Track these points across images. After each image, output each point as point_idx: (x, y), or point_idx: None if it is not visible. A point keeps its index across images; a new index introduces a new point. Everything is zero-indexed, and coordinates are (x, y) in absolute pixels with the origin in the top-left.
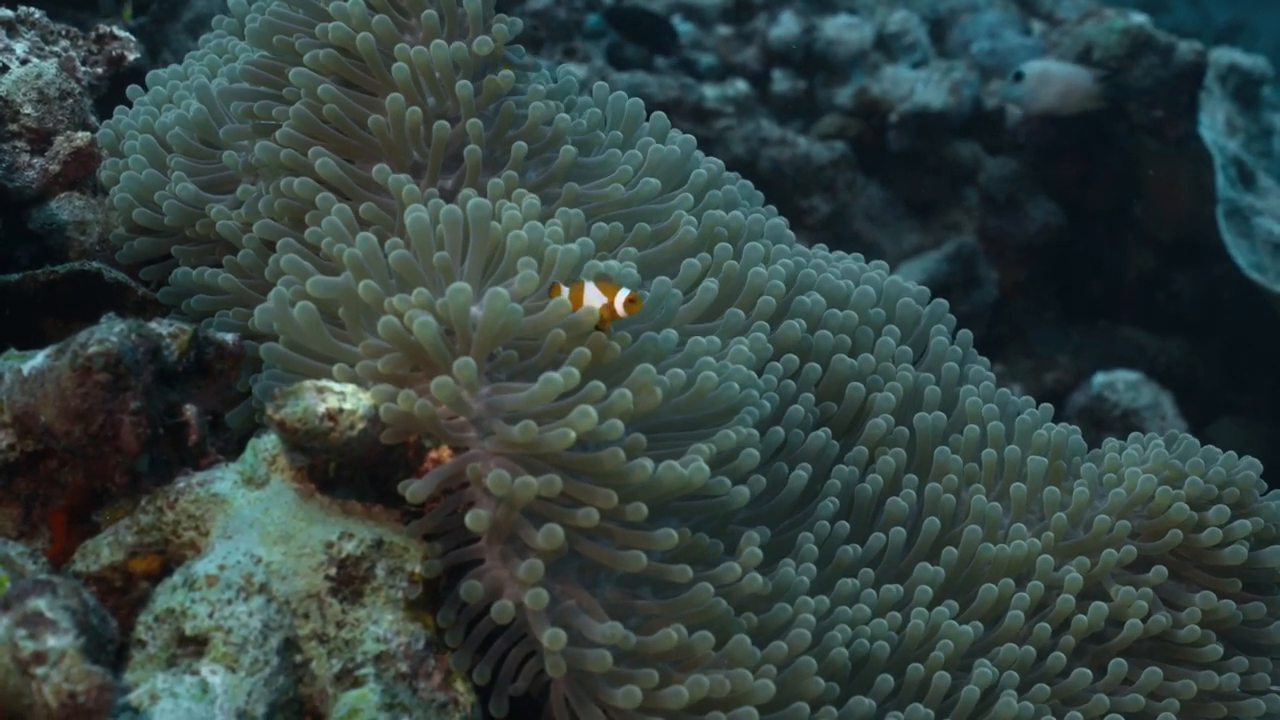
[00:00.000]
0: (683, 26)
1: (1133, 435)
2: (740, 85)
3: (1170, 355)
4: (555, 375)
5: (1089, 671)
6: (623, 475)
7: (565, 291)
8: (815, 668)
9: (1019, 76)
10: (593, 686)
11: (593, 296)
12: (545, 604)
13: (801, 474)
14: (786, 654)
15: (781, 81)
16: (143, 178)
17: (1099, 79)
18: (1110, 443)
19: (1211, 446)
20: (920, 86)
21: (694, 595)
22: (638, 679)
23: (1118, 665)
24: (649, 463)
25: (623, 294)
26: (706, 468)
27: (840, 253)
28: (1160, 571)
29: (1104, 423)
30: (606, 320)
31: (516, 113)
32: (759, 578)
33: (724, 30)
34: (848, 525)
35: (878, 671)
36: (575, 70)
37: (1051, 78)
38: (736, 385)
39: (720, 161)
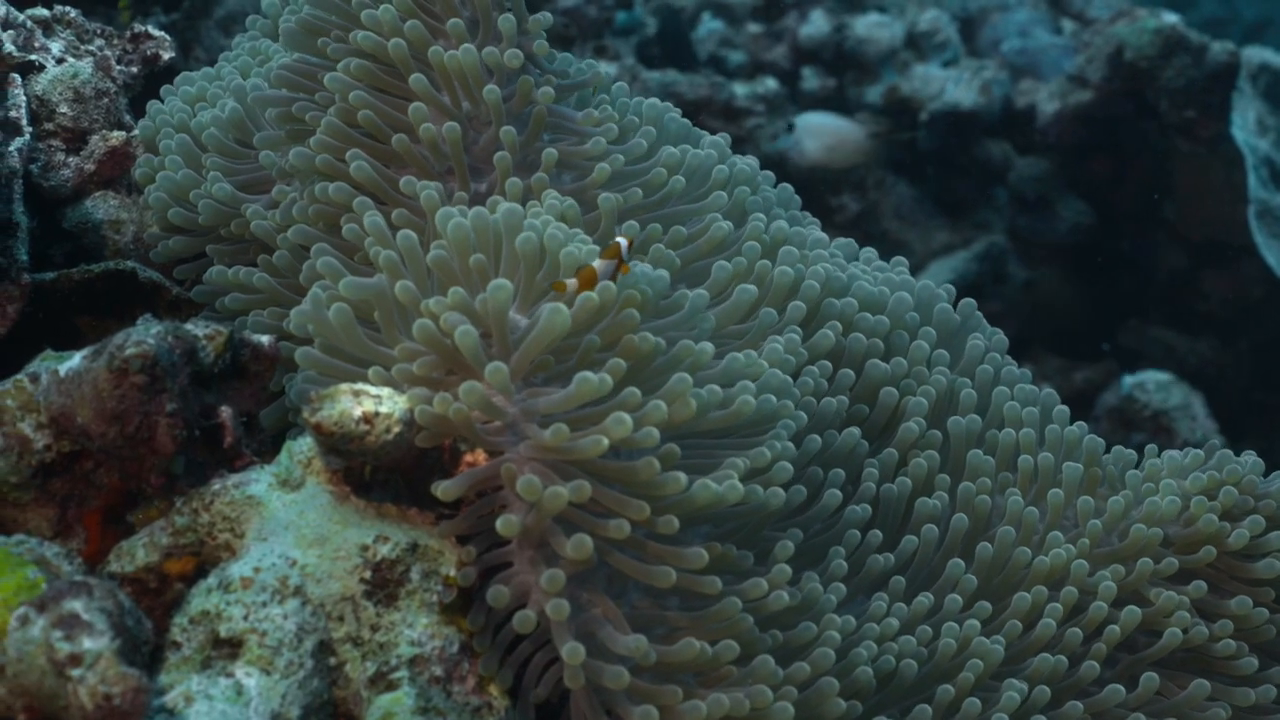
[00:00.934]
0: (713, 24)
1: (1168, 453)
2: (770, 83)
3: (1200, 355)
4: (590, 375)
5: (1121, 688)
6: (656, 486)
7: (571, 284)
8: (837, 688)
9: (790, 127)
10: (610, 700)
11: (598, 269)
12: (566, 615)
13: (835, 479)
14: (809, 674)
15: (811, 80)
16: (178, 177)
17: (871, 135)
18: (1149, 449)
19: (1253, 455)
20: (950, 85)
21: (721, 610)
22: (658, 696)
23: (1149, 679)
24: (683, 476)
25: (621, 243)
26: (740, 486)
27: (870, 250)
28: (1200, 586)
29: (1134, 423)
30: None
31: (551, 120)
32: (785, 595)
33: (754, 28)
34: (880, 534)
35: (904, 690)
36: (606, 68)
37: (820, 130)
38: (774, 398)
39: (755, 161)
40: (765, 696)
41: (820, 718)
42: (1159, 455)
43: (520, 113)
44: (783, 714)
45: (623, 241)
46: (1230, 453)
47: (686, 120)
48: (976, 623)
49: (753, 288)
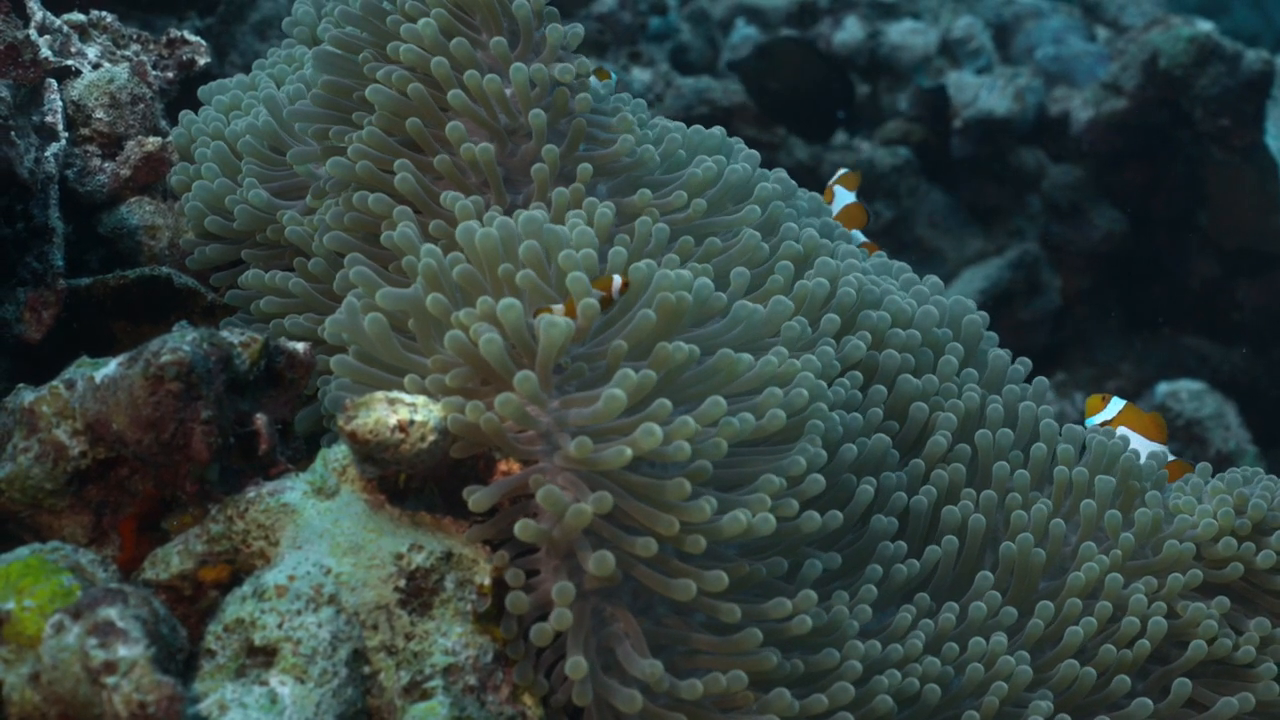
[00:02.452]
0: (746, 29)
1: (1202, 465)
2: None
3: (1233, 364)
4: (619, 392)
5: (1149, 701)
6: (683, 511)
7: (557, 309)
8: None
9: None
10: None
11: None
12: (569, 624)
13: (866, 491)
14: (826, 707)
15: None
16: (215, 186)
17: None
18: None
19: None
20: (984, 93)
21: (743, 639)
22: None
23: (1182, 685)
24: (709, 505)
25: (615, 280)
26: (773, 520)
27: (903, 264)
28: (1223, 602)
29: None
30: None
31: (589, 130)
32: (809, 621)
33: (788, 34)
34: (905, 546)
35: (928, 713)
36: (640, 74)
37: None
38: (805, 393)
39: (784, 174)
40: None
41: None
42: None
43: (557, 125)
44: None
45: (616, 279)
46: (1273, 476)
47: (718, 133)
48: (1003, 640)
49: (788, 301)
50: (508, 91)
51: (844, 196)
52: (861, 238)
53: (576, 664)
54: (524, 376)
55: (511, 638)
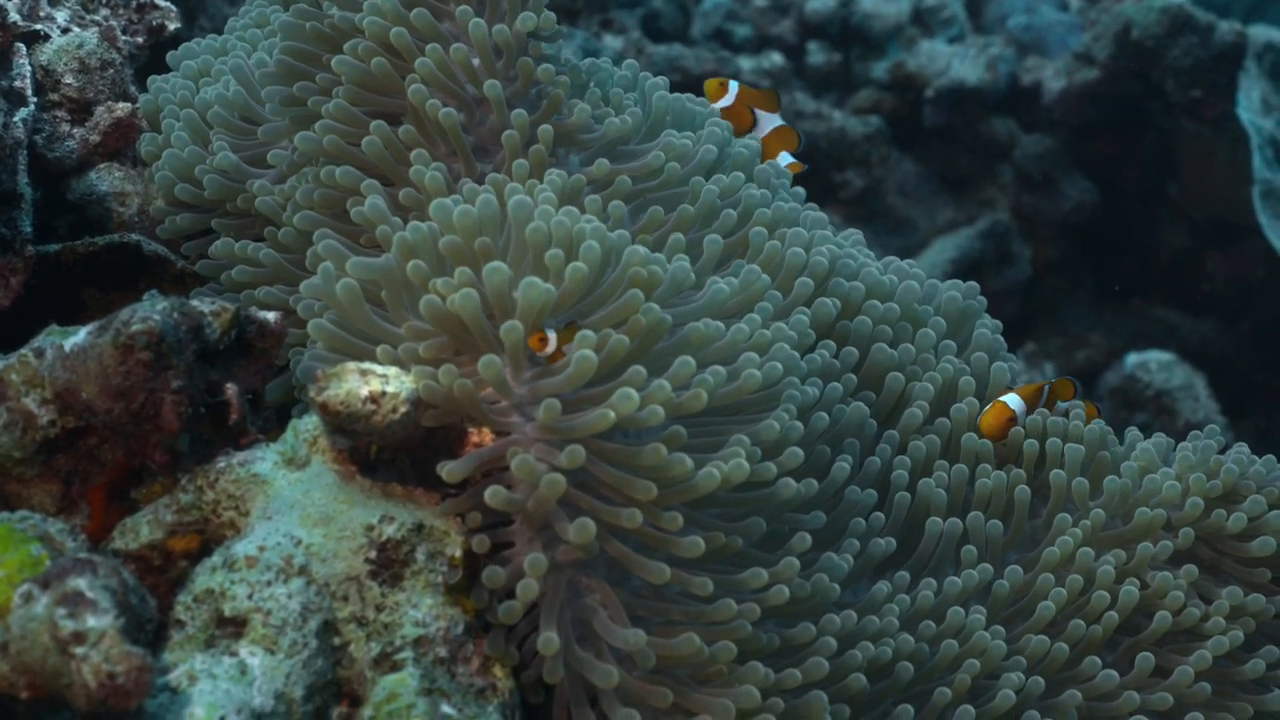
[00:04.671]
0: None
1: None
2: (775, 58)
3: (1203, 335)
4: (590, 354)
5: (1115, 673)
6: (662, 470)
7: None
8: (825, 702)
9: None
10: (593, 693)
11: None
12: (534, 595)
13: (843, 460)
14: (799, 682)
15: (817, 54)
16: (185, 155)
17: None
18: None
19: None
20: (956, 62)
21: (717, 610)
22: (648, 696)
23: (1145, 660)
24: (688, 459)
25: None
26: (747, 465)
27: (893, 258)
28: (1191, 571)
29: (1136, 403)
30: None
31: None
32: (786, 591)
33: (760, 1)
34: (883, 518)
35: (900, 689)
36: (612, 41)
37: None
38: (779, 366)
39: (755, 145)
40: (753, 698)
41: None
42: (1171, 449)
43: (525, 93)
44: None
45: (552, 337)
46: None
47: (680, 97)
48: (980, 616)
49: (756, 268)
50: (475, 61)
51: (769, 120)
52: (790, 159)
53: (548, 640)
54: (510, 326)
55: (484, 607)
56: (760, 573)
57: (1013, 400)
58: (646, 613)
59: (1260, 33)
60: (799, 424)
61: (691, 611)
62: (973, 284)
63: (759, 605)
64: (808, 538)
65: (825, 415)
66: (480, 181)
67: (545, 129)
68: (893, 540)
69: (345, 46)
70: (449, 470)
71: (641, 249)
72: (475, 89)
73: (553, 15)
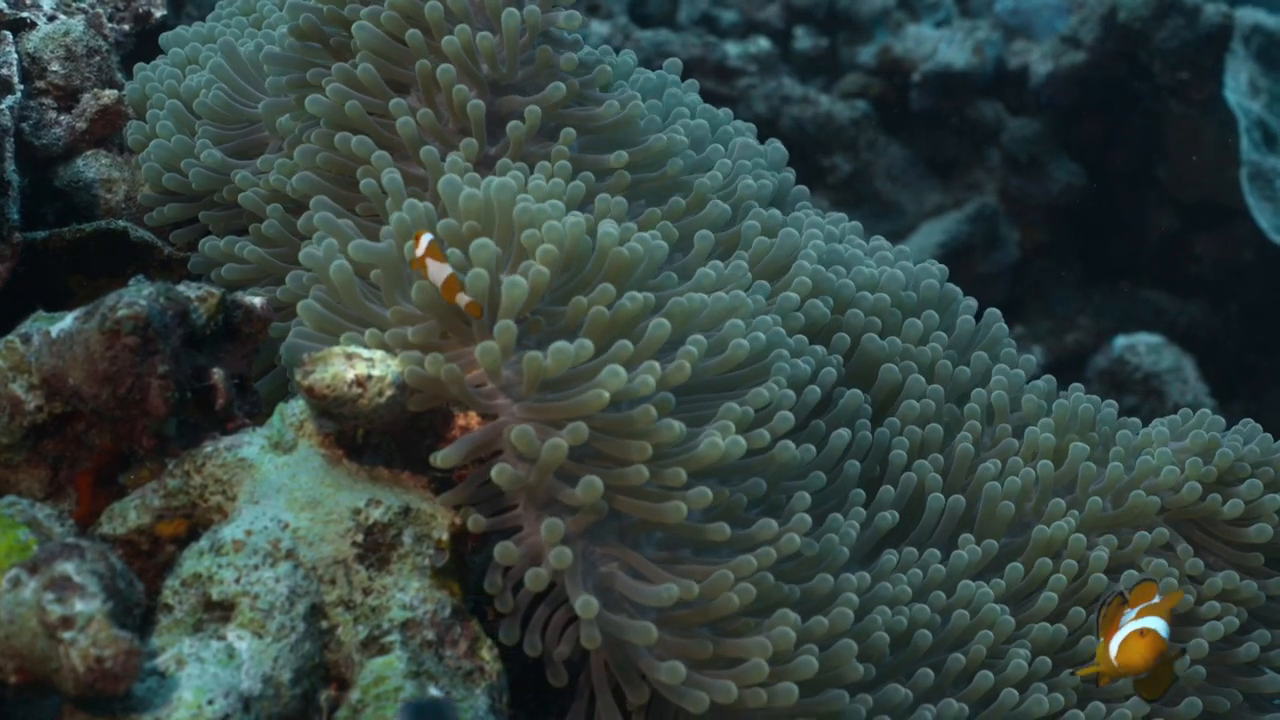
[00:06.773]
0: None
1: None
2: (763, 43)
3: (1191, 317)
4: (566, 344)
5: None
6: (653, 434)
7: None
8: (855, 650)
9: None
10: (634, 656)
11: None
12: (569, 562)
13: (840, 436)
14: (828, 629)
15: (804, 39)
16: (171, 144)
17: None
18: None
19: (1251, 422)
20: (943, 46)
21: (738, 565)
22: (686, 650)
23: None
24: (678, 424)
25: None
26: (743, 441)
27: (879, 239)
28: (1187, 550)
29: (1125, 385)
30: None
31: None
32: (796, 539)
33: None
34: (892, 490)
35: (917, 656)
36: (598, 27)
37: None
38: (763, 336)
39: (753, 126)
40: (788, 638)
41: (839, 679)
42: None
43: (538, 80)
44: (806, 669)
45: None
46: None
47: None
48: (990, 590)
49: (744, 260)
50: (492, 38)
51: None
52: None
53: (587, 603)
54: (504, 326)
55: (496, 592)
56: (770, 523)
57: (1160, 626)
58: (660, 577)
59: (1247, 15)
60: (790, 392)
61: (710, 565)
62: (943, 266)
63: (778, 554)
64: (807, 497)
65: (817, 389)
66: (483, 163)
67: (569, 131)
68: (896, 513)
69: (364, 13)
70: (442, 457)
71: (614, 229)
72: (490, 70)
73: (577, 15)
